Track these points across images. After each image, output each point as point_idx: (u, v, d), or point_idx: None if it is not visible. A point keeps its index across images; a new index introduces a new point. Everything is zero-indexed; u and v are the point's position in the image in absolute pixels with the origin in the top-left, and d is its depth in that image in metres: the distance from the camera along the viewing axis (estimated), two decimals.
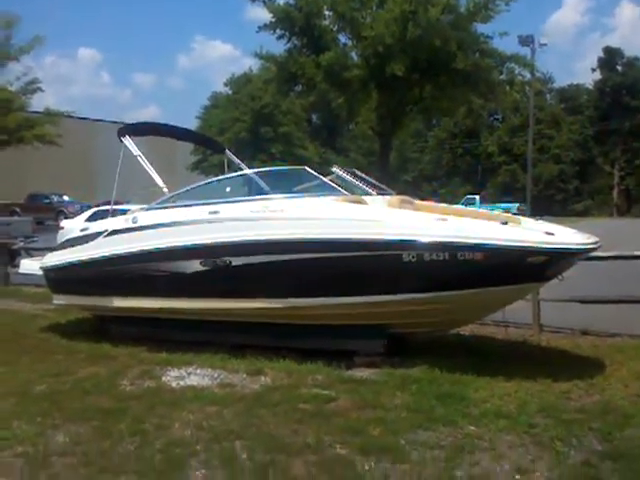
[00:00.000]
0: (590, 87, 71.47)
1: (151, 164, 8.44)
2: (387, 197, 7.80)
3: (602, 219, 48.42)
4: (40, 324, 9.33)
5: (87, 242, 8.18)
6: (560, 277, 6.52)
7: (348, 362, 6.77)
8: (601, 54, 68.99)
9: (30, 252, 13.63)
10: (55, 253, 8.82)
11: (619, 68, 67.70)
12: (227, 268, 7.03)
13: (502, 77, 26.29)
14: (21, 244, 14.45)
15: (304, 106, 43.63)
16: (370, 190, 7.95)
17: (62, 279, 8.51)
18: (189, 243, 7.23)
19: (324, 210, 6.83)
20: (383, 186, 8.54)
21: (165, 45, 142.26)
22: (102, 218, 9.52)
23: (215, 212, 7.27)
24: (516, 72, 26.52)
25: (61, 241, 9.29)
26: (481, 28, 24.71)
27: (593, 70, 70.04)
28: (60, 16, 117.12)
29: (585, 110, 69.56)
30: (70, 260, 8.26)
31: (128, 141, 8.68)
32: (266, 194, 7.20)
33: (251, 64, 62.87)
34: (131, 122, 10.03)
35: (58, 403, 5.63)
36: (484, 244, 6.03)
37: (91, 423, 5.17)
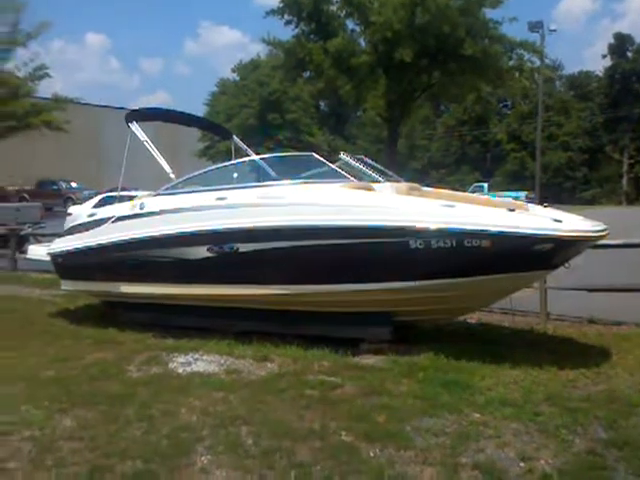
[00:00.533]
0: (600, 74, 70.94)
1: (158, 150, 8.43)
2: (395, 184, 7.78)
3: (609, 207, 48.15)
4: (48, 310, 9.39)
5: (94, 228, 8.21)
6: (567, 265, 6.49)
7: (354, 349, 6.79)
8: (611, 40, 68.45)
9: (38, 238, 13.70)
10: (63, 239, 8.86)
11: (629, 55, 67.07)
12: (234, 254, 7.03)
13: (511, 63, 26.08)
14: (29, 230, 14.53)
15: (312, 93, 43.34)
16: (378, 177, 7.92)
17: (70, 265, 8.55)
18: (196, 229, 7.24)
19: (332, 196, 6.81)
20: (391, 173, 8.51)
21: (173, 30, 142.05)
22: (110, 204, 9.55)
23: (222, 198, 7.27)
24: (525, 59, 26.34)
25: (69, 227, 9.33)
26: (490, 14, 24.50)
27: (603, 57, 69.51)
28: (69, 1, 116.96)
29: (595, 97, 69.04)
30: (78, 246, 8.30)
31: (135, 127, 8.68)
32: (273, 180, 7.19)
33: (259, 50, 62.75)
34: (138, 108, 10.01)
35: (66, 388, 5.67)
36: (491, 231, 6.01)
37: (98, 408, 5.20)
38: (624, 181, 65.89)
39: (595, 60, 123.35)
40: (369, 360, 6.53)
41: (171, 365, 6.46)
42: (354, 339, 6.89)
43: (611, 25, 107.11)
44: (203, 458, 4.30)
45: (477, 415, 4.99)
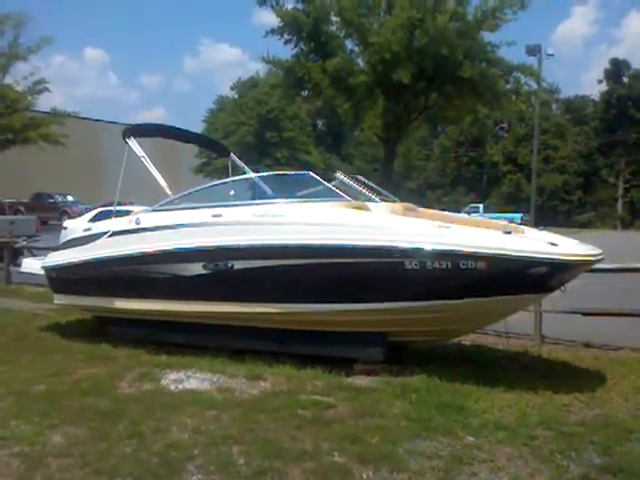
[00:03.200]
0: (596, 98, 71.51)
1: (155, 166, 8.43)
2: (390, 204, 7.78)
3: (603, 231, 48.32)
4: (40, 323, 9.34)
5: (89, 242, 8.18)
6: (563, 288, 6.48)
7: (348, 369, 6.75)
8: (607, 66, 69.08)
9: (32, 251, 13.65)
10: (57, 253, 8.82)
11: (625, 80, 67.67)
12: (229, 272, 7.01)
13: (508, 87, 26.23)
14: (24, 243, 14.48)
15: (310, 111, 43.57)
16: (373, 197, 7.93)
17: (63, 279, 8.51)
18: (192, 246, 7.22)
19: (327, 216, 6.80)
20: (387, 193, 8.51)
21: (172, 47, 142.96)
22: (106, 219, 9.52)
23: (218, 215, 7.26)
24: (522, 82, 26.47)
25: (63, 241, 9.29)
26: (488, 37, 24.68)
27: (599, 81, 70.11)
28: (68, 16, 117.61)
29: (590, 121, 69.51)
30: (72, 260, 8.26)
31: (132, 142, 8.68)
32: (270, 198, 7.18)
33: (258, 68, 63.09)
34: (136, 123, 10.01)
35: (56, 403, 5.63)
36: (487, 253, 6.00)
37: (89, 424, 5.16)
38: (619, 205, 66.16)
39: (591, 85, 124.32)
40: (362, 381, 6.49)
41: (163, 382, 6.41)
42: (347, 359, 6.85)
43: (607, 50, 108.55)
44: (194, 477, 4.26)
45: (471, 438, 4.95)
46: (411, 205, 7.92)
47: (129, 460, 4.49)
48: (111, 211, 10.33)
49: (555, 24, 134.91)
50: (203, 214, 7.42)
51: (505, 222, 8.01)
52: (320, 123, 71.16)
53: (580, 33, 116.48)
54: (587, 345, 8.33)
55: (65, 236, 11.15)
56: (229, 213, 7.25)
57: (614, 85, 67.41)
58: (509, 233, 6.37)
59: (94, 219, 15.04)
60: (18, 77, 31.96)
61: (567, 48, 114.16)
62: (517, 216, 41.88)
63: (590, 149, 66.88)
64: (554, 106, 73.70)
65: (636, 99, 64.87)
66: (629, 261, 9.90)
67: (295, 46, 25.60)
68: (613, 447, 4.80)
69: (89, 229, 8.60)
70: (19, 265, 11.20)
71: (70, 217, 27.88)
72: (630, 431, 5.14)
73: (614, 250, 10.44)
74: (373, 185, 8.38)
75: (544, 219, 41.95)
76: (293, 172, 8.99)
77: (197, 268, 7.17)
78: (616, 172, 66.24)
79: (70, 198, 38.90)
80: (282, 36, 25.18)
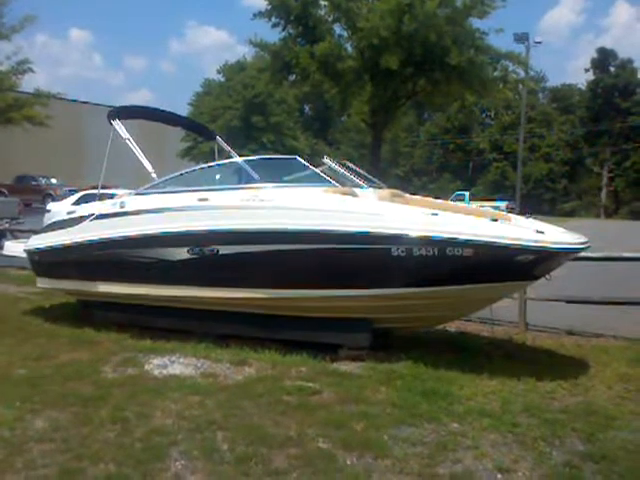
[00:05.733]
0: (582, 87, 71.74)
1: (140, 149, 8.33)
2: (378, 190, 7.75)
3: (587, 220, 48.69)
4: (23, 307, 9.25)
5: (73, 225, 8.09)
6: (548, 277, 6.50)
7: (333, 355, 6.75)
8: (595, 55, 69.24)
9: (15, 234, 13.52)
10: (40, 236, 8.72)
11: (612, 69, 67.90)
12: (214, 256, 6.96)
13: (496, 74, 26.22)
14: (6, 225, 14.33)
15: (297, 96, 43.42)
16: (361, 182, 7.90)
17: (47, 262, 8.43)
18: (177, 230, 7.16)
19: (314, 201, 6.76)
20: (374, 179, 8.49)
21: (158, 29, 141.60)
22: (90, 202, 9.42)
23: (204, 199, 7.20)
24: (510, 70, 26.46)
25: (47, 224, 9.18)
26: (477, 24, 24.61)
27: (586, 70, 70.33)
28: None
29: (577, 110, 69.81)
30: (55, 243, 8.17)
31: (118, 124, 8.57)
32: (256, 183, 7.13)
33: (245, 52, 62.65)
34: (121, 105, 9.87)
35: (38, 388, 5.57)
36: (473, 240, 6.00)
37: (71, 409, 5.11)
38: (603, 194, 66.65)
39: (578, 73, 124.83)
40: (347, 367, 6.49)
41: (147, 367, 6.38)
42: (333, 345, 6.84)
43: (595, 39, 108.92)
44: (177, 463, 4.23)
45: (455, 425, 4.96)
46: (398, 192, 7.90)
47: (112, 445, 4.45)
48: (95, 194, 10.22)
49: (543, 12, 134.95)
50: (189, 198, 7.35)
51: (490, 209, 8.02)
52: (307, 108, 70.92)
53: (567, 21, 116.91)
54: (570, 333, 8.39)
55: (49, 219, 11.04)
56: (215, 197, 7.19)
57: (601, 74, 67.65)
58: (496, 221, 6.37)
59: (78, 202, 14.93)
60: (1, 57, 31.48)
61: (554, 36, 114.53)
62: (502, 203, 42.12)
63: (576, 138, 67.23)
64: (541, 95, 73.90)
65: (622, 89, 65.22)
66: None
67: (283, 30, 25.40)
68: (596, 434, 4.83)
69: (73, 212, 8.50)
70: (1, 248, 11.06)
71: (54, 200, 27.62)
72: (612, 418, 5.18)
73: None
74: (360, 171, 8.35)
75: (529, 207, 42.09)
76: (281, 157, 8.94)
77: (182, 252, 7.11)
78: (601, 161, 66.69)
79: (54, 180, 38.47)
80: (270, 19, 24.97)
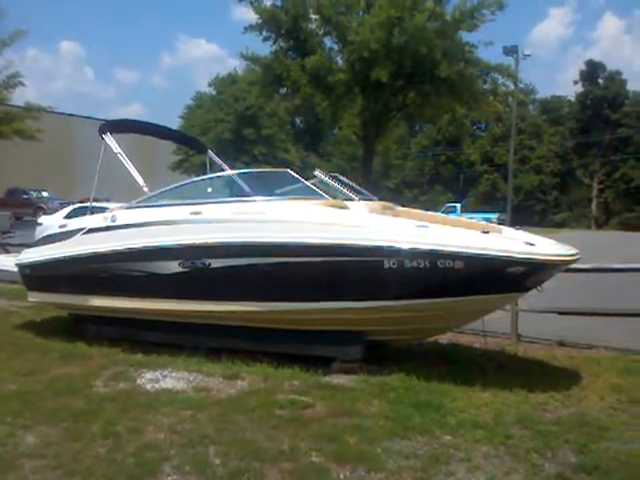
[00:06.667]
0: (572, 99, 72.24)
1: (132, 162, 8.33)
2: (369, 203, 7.78)
3: (578, 231, 48.89)
4: (14, 321, 9.21)
5: (65, 239, 8.07)
6: (539, 288, 6.53)
7: (325, 368, 6.73)
8: (583, 67, 69.87)
9: (6, 247, 13.47)
10: (31, 249, 8.70)
11: (601, 81, 68.51)
12: (206, 270, 6.96)
13: (486, 87, 26.42)
14: None
15: (288, 109, 43.48)
16: (352, 195, 7.92)
17: (38, 276, 8.39)
18: (168, 243, 7.15)
19: (306, 214, 6.78)
20: (365, 191, 8.52)
21: (148, 42, 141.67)
22: (81, 215, 9.40)
23: (196, 213, 7.20)
24: (500, 82, 26.68)
25: (38, 238, 9.16)
26: (466, 37, 24.83)
27: (575, 83, 70.91)
28: (43, 9, 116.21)
29: (566, 122, 70.22)
30: (47, 257, 8.14)
31: (109, 138, 8.57)
32: (248, 196, 7.14)
33: (236, 64, 62.76)
34: (112, 119, 9.88)
35: (29, 403, 5.54)
36: (465, 253, 6.02)
37: (63, 425, 5.08)
38: (593, 205, 67.02)
39: (567, 85, 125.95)
40: (340, 380, 6.48)
41: (139, 381, 6.35)
42: (325, 358, 6.83)
43: (583, 52, 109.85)
44: (169, 478, 4.22)
45: (448, 437, 4.96)
46: (390, 204, 7.94)
47: (104, 461, 4.43)
48: (87, 207, 10.20)
49: (532, 25, 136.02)
50: (181, 211, 7.35)
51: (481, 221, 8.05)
52: (298, 121, 70.95)
53: (556, 34, 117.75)
54: (562, 344, 8.40)
55: (40, 232, 11.01)
56: (207, 210, 7.19)
57: (589, 86, 68.23)
58: (487, 233, 6.40)
59: (70, 215, 14.89)
60: None
61: (544, 49, 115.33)
62: (493, 216, 42.21)
63: (565, 149, 67.63)
64: (530, 106, 74.29)
65: (611, 100, 65.76)
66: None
67: (274, 43, 25.58)
68: (588, 446, 4.83)
69: (65, 226, 8.48)
70: None
71: (45, 213, 27.53)
72: (605, 429, 5.19)
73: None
74: (352, 184, 8.38)
75: (520, 219, 42.27)
76: (272, 170, 8.96)
77: (173, 266, 7.10)
78: (591, 172, 67.10)
79: (45, 194, 38.39)
80: (261, 33, 25.13)
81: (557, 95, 76.01)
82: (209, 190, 7.91)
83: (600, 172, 66.11)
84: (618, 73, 67.58)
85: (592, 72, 68.57)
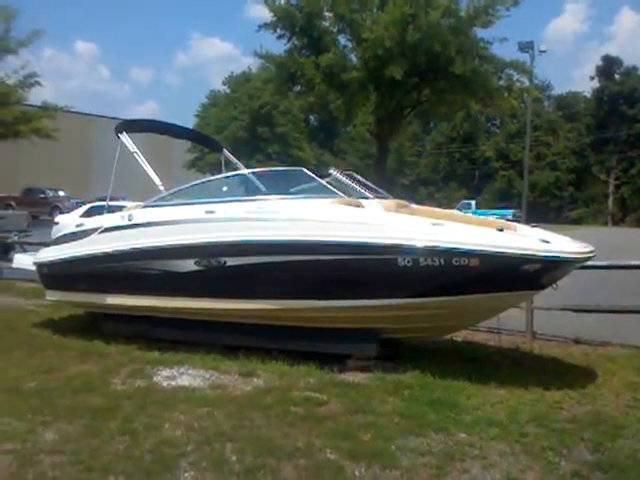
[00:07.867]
0: (588, 95, 71.72)
1: (147, 161, 8.40)
2: (384, 200, 7.79)
3: (594, 228, 48.53)
4: (32, 320, 9.30)
5: (81, 238, 8.15)
6: (555, 285, 6.51)
7: (340, 366, 6.76)
8: (600, 62, 69.29)
9: (24, 247, 13.59)
10: (49, 248, 8.79)
11: (617, 77, 67.87)
12: (222, 268, 7.00)
13: (501, 83, 26.28)
14: (15, 238, 14.41)
15: (302, 107, 43.53)
16: (367, 193, 7.93)
17: (55, 275, 8.48)
18: (184, 242, 7.20)
19: (321, 212, 6.80)
20: (380, 189, 8.53)
21: (163, 41, 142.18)
22: (98, 214, 9.48)
23: (211, 211, 7.25)
24: (515, 78, 26.54)
25: (56, 236, 9.25)
26: (481, 33, 24.72)
27: (591, 78, 70.33)
28: (58, 9, 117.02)
29: (582, 118, 69.73)
30: (64, 256, 8.23)
31: (125, 137, 8.63)
32: (263, 194, 7.18)
33: (250, 63, 62.89)
34: (128, 119, 9.96)
35: (48, 400, 5.60)
36: (479, 250, 6.02)
37: (81, 421, 5.14)
38: (610, 202, 66.49)
39: (583, 81, 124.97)
40: (355, 377, 6.50)
41: (156, 378, 6.41)
42: (340, 355, 6.86)
43: (599, 47, 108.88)
44: (187, 474, 4.26)
45: (463, 435, 4.97)
46: (404, 202, 7.94)
47: (122, 457, 4.48)
48: (103, 206, 10.29)
49: (547, 21, 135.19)
50: (196, 210, 7.41)
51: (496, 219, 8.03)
52: (312, 119, 71.00)
53: (572, 30, 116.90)
54: (577, 341, 8.38)
55: (57, 231, 11.11)
56: (222, 209, 7.24)
57: (606, 82, 67.61)
58: (502, 230, 6.40)
59: (86, 214, 15.02)
60: (9, 70, 31.73)
61: (559, 45, 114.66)
62: (509, 212, 42.05)
63: (582, 146, 67.16)
64: (546, 103, 73.85)
65: (628, 96, 65.13)
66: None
67: (288, 41, 25.59)
68: (604, 444, 4.82)
69: (81, 224, 8.57)
70: (10, 261, 11.13)
71: (61, 212, 27.74)
72: (621, 427, 5.18)
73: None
74: (366, 182, 8.39)
75: (536, 215, 42.06)
76: (287, 168, 8.99)
77: (190, 264, 7.16)
78: (607, 169, 66.56)
79: (61, 193, 38.60)
80: (275, 31, 25.16)
81: (573, 91, 75.62)
82: (224, 189, 7.96)
83: (616, 168, 65.57)
84: (635, 68, 66.91)
85: (608, 67, 67.96)
